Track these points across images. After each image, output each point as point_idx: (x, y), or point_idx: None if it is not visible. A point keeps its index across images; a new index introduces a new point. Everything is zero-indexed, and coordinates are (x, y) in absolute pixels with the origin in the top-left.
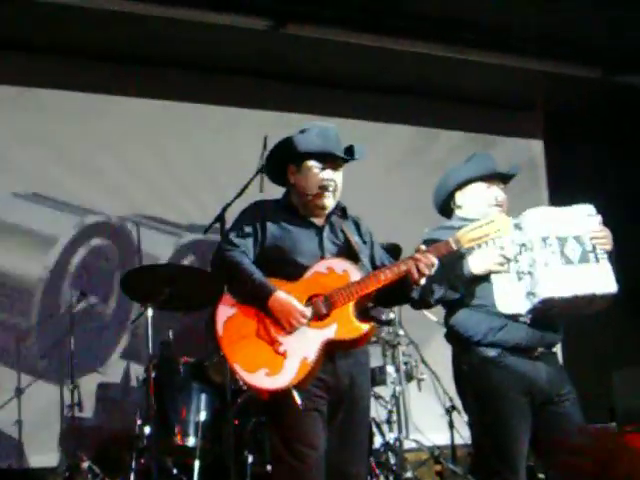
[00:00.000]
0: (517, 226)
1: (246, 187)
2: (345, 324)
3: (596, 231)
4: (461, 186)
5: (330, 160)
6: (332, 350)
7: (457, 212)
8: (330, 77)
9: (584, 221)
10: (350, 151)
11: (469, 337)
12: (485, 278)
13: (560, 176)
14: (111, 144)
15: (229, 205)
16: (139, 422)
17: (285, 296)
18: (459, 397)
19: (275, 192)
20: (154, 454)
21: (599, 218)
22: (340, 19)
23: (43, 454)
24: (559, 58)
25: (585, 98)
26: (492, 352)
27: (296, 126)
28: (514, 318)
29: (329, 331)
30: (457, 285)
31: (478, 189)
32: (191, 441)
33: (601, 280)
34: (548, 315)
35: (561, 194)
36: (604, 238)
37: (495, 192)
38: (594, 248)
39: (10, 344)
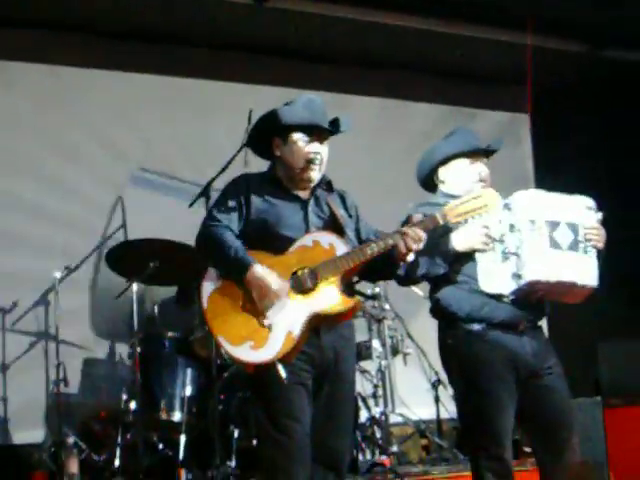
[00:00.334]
0: (506, 206)
1: (230, 161)
2: (331, 298)
3: (593, 227)
4: (444, 162)
5: (316, 132)
6: (317, 324)
7: (441, 187)
8: (316, 51)
9: (582, 212)
10: (336, 123)
11: (453, 312)
12: (470, 256)
13: (545, 150)
14: (90, 120)
15: (214, 180)
16: (125, 397)
17: (262, 272)
18: (444, 371)
19: (260, 166)
20: (140, 429)
21: (599, 215)
22: None
23: (28, 431)
24: (546, 32)
25: (572, 73)
26: (477, 326)
27: (281, 100)
28: (497, 298)
29: (315, 305)
30: (441, 261)
31: (461, 165)
32: (177, 416)
33: (585, 271)
34: (531, 297)
35: (546, 169)
36: (598, 236)
37: (479, 168)
38: (585, 241)
39: None
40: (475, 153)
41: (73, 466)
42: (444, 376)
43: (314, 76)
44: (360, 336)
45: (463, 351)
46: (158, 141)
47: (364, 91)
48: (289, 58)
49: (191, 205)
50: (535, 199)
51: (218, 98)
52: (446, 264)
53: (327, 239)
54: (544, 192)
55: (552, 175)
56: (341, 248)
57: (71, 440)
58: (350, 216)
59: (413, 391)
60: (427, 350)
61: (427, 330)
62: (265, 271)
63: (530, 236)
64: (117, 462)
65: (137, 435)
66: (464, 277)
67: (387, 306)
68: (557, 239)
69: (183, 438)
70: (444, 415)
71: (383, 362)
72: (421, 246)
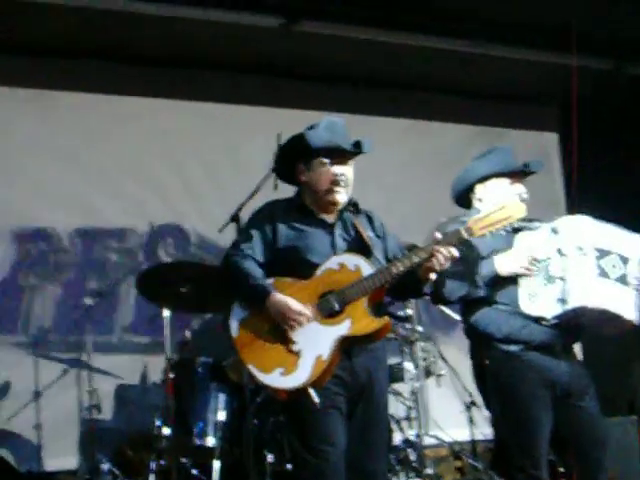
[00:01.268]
0: (553, 230)
1: (260, 186)
2: (359, 319)
3: None
4: (483, 180)
5: (339, 154)
6: (347, 346)
7: (477, 205)
8: (343, 74)
9: (637, 250)
10: (358, 144)
11: (490, 333)
12: (511, 279)
13: (577, 169)
14: (122, 146)
15: (244, 204)
16: (158, 423)
17: (281, 298)
18: (480, 392)
19: (290, 189)
20: (173, 455)
21: None
22: (353, 15)
23: (62, 457)
24: (572, 50)
25: (598, 90)
26: (514, 347)
27: (310, 124)
28: (537, 320)
29: (343, 327)
30: (482, 284)
31: (501, 184)
32: (210, 441)
33: (630, 306)
34: (572, 322)
35: (576, 187)
36: None
37: (519, 188)
38: (634, 278)
39: (28, 347)
40: (515, 173)
41: None
42: (478, 397)
43: (342, 99)
44: (392, 358)
45: (500, 372)
46: (187, 166)
47: (396, 114)
48: (317, 81)
49: (221, 230)
50: (584, 225)
51: (246, 122)
52: (487, 287)
53: (353, 261)
54: (592, 219)
55: (583, 194)
56: (367, 269)
57: (105, 466)
58: (378, 236)
59: (447, 413)
60: (460, 371)
61: (460, 351)
62: (284, 297)
63: (578, 262)
64: None
65: (171, 461)
66: (503, 299)
67: (419, 328)
68: (605, 268)
69: (217, 463)
70: (478, 436)
71: (416, 384)
72: (449, 265)
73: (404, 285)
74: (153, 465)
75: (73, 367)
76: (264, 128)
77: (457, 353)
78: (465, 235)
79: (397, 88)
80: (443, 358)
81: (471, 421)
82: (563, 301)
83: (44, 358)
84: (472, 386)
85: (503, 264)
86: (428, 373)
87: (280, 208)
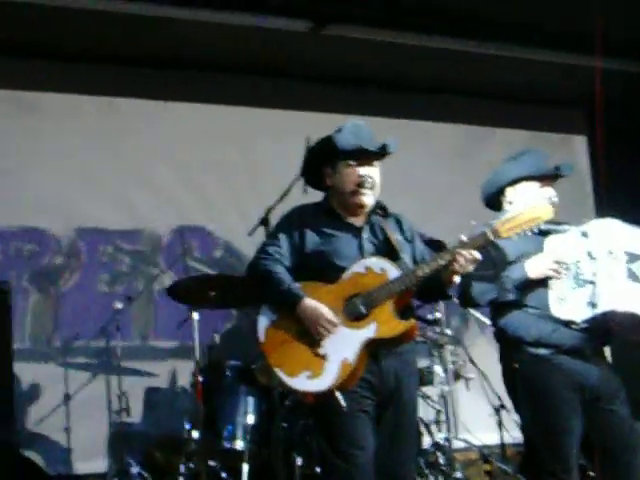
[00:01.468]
0: (584, 234)
1: (289, 189)
2: (385, 322)
3: None
4: (513, 182)
5: (364, 156)
6: (374, 349)
7: (507, 208)
8: (371, 77)
9: None
10: (383, 147)
11: (520, 337)
12: (541, 282)
13: (603, 173)
14: (159, 150)
15: (273, 208)
16: (187, 426)
17: (313, 303)
18: (509, 396)
19: (319, 193)
20: (203, 458)
21: None
22: (382, 19)
23: (92, 461)
24: (601, 53)
25: (628, 92)
26: (544, 351)
27: (339, 127)
28: (566, 324)
29: (369, 331)
30: (512, 287)
31: (531, 187)
32: (239, 444)
33: None
34: (602, 326)
35: (605, 191)
36: None
37: (549, 192)
38: None
39: (58, 350)
40: (546, 177)
41: None
42: (507, 401)
43: (367, 102)
44: (421, 362)
45: (530, 376)
46: (222, 168)
47: (424, 117)
48: (342, 84)
49: (251, 233)
50: (614, 229)
51: (277, 125)
52: (517, 291)
53: (379, 264)
54: (622, 223)
55: (612, 197)
56: (393, 272)
57: (134, 470)
58: (407, 239)
59: (476, 416)
60: (489, 375)
61: (489, 355)
62: (316, 302)
63: (608, 265)
64: None
65: (200, 464)
66: (533, 302)
67: (448, 331)
68: (636, 272)
69: (246, 466)
70: (507, 440)
71: (445, 387)
72: (472, 267)
73: (430, 288)
74: (182, 468)
75: (101, 371)
76: (294, 131)
77: (486, 356)
78: (491, 237)
79: (422, 91)
80: (472, 361)
81: (500, 424)
82: (593, 305)
83: (74, 362)
84: (501, 389)
85: (533, 268)
86: (457, 376)
87: (308, 213)
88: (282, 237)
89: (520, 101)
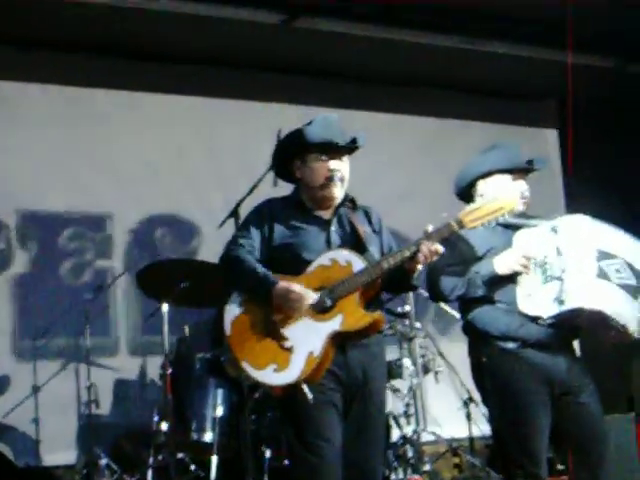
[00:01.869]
0: (553, 229)
1: (259, 182)
2: (351, 314)
3: None
4: (485, 175)
5: (334, 150)
6: (341, 342)
7: (478, 200)
8: (343, 70)
9: None
10: (353, 140)
11: (488, 331)
12: (509, 278)
13: (574, 166)
14: (125, 140)
15: (242, 200)
16: (156, 418)
17: (285, 283)
18: (477, 389)
19: (289, 185)
20: (171, 450)
21: None
22: (353, 12)
23: (60, 452)
24: (572, 48)
25: (599, 88)
26: (512, 345)
27: (310, 119)
28: (533, 319)
29: (334, 323)
30: (481, 283)
31: (503, 181)
32: (208, 436)
33: (630, 313)
34: (569, 322)
35: (575, 184)
36: None
37: (521, 186)
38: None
39: (26, 341)
40: (518, 170)
41: None
42: (476, 394)
43: (341, 95)
44: (391, 355)
45: (498, 369)
46: (189, 159)
47: (396, 110)
48: (316, 77)
49: (221, 226)
50: (585, 225)
51: (246, 118)
52: (486, 287)
53: (344, 257)
54: (592, 220)
55: (582, 192)
56: (358, 264)
57: (103, 461)
58: (374, 231)
59: (445, 409)
60: (458, 368)
61: (458, 348)
62: (288, 282)
63: (577, 262)
64: None
65: (169, 456)
66: (502, 298)
67: (418, 324)
68: (606, 270)
69: (215, 459)
70: (476, 433)
71: (414, 381)
72: (435, 258)
73: (395, 279)
74: (151, 460)
75: (71, 361)
76: (264, 124)
77: (455, 350)
78: (456, 227)
79: (394, 84)
80: (441, 355)
81: (469, 418)
82: (560, 301)
83: (42, 353)
84: (470, 383)
85: (501, 264)
86: (426, 370)
87: (278, 206)
88: (252, 230)
89: (492, 94)
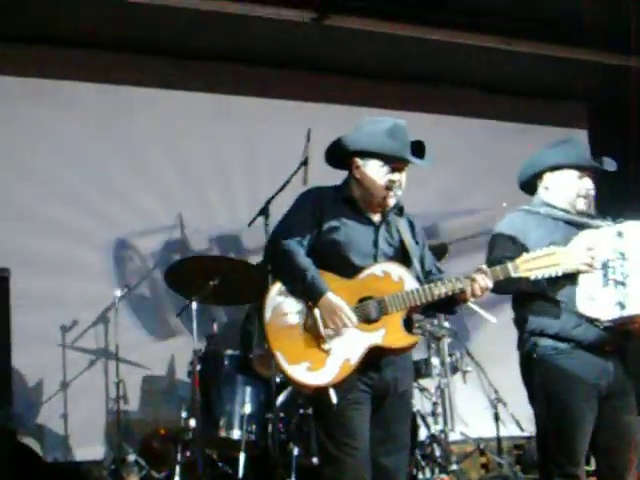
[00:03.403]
0: (619, 233)
1: (290, 179)
2: (393, 332)
3: None
4: (553, 169)
5: (400, 163)
6: (376, 355)
7: (542, 193)
8: (373, 68)
9: None
10: (420, 150)
11: (543, 329)
12: (570, 277)
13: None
14: (156, 137)
15: (273, 198)
16: (184, 415)
17: (335, 299)
18: (524, 385)
19: (319, 183)
20: (199, 447)
21: None
22: (384, 11)
23: (89, 448)
24: (602, 47)
25: (630, 87)
26: (564, 345)
27: (341, 118)
28: (590, 320)
29: (376, 336)
30: (542, 279)
31: (570, 176)
32: (236, 434)
33: None
34: (624, 327)
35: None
36: None
37: (587, 184)
38: None
39: (56, 337)
40: (586, 168)
41: None
42: (504, 394)
43: (376, 94)
44: (419, 354)
45: (549, 368)
46: (218, 158)
47: (425, 109)
48: (353, 76)
49: (250, 224)
50: None
51: (276, 116)
52: (544, 282)
53: (397, 272)
54: None
55: (613, 191)
56: (409, 283)
57: (131, 457)
58: (417, 243)
59: (472, 409)
60: (486, 368)
61: (487, 348)
62: (338, 299)
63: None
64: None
65: (197, 453)
66: (559, 296)
67: (446, 324)
68: None
69: (243, 456)
70: (503, 433)
71: (442, 380)
72: (486, 294)
73: (439, 303)
74: (179, 457)
75: (100, 358)
76: (295, 122)
77: (484, 349)
78: (512, 272)
79: (424, 83)
80: (469, 354)
81: (496, 418)
82: (622, 306)
83: (71, 349)
84: (498, 383)
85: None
86: (454, 369)
87: (328, 196)
88: (302, 216)
89: (522, 95)
